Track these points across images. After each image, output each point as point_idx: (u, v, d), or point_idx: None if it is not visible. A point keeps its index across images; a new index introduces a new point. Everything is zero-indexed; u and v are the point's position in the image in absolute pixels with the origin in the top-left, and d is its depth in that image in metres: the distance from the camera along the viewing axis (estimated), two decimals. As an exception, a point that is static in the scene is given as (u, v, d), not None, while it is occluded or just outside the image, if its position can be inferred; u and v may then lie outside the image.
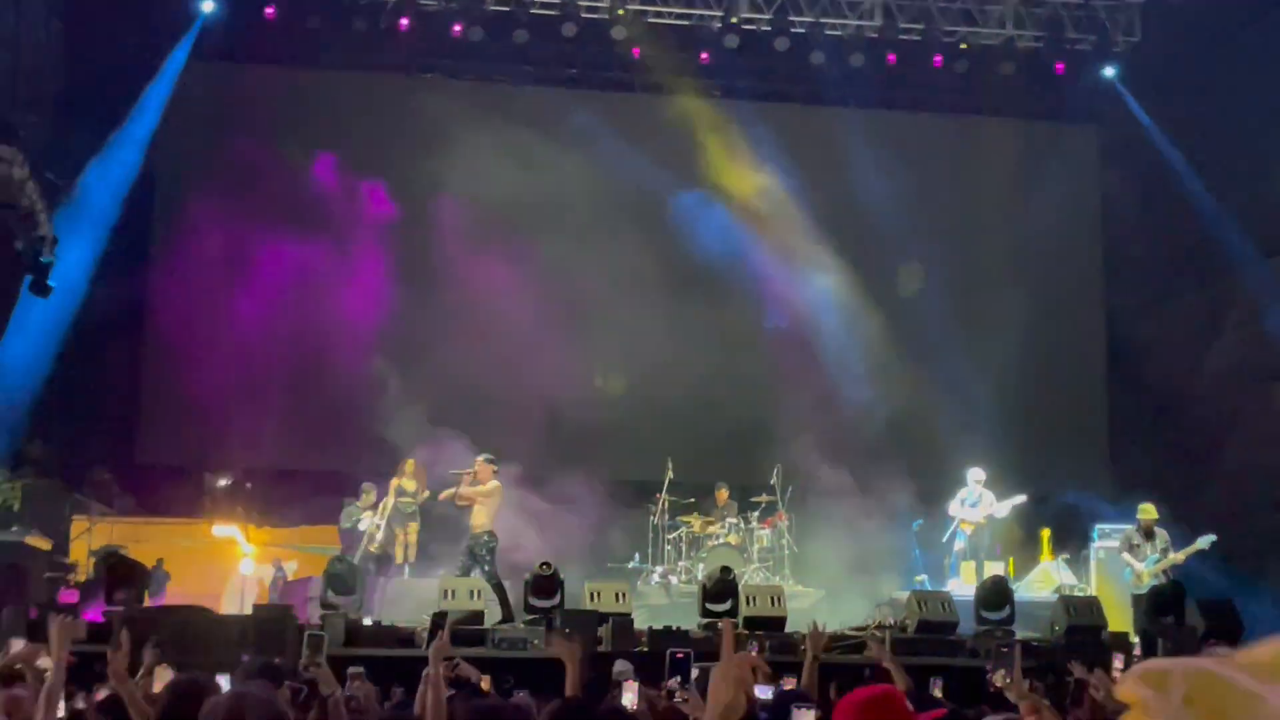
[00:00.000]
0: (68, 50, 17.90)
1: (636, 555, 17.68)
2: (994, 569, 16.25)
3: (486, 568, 14.59)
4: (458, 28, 19.41)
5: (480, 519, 14.91)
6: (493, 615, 13.78)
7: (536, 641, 12.56)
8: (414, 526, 16.44)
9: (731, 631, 3.22)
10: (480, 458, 15.28)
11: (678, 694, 5.28)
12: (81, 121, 17.60)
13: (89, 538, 16.38)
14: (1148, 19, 20.32)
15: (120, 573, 13.60)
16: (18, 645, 7.16)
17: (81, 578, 15.02)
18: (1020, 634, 13.30)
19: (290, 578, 16.29)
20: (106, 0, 18.23)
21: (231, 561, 16.10)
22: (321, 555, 16.07)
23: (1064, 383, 20.32)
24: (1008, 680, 5.66)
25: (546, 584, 13.33)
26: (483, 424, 18.23)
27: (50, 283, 15.37)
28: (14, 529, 15.26)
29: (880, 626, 13.22)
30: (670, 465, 17.68)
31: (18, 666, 7.09)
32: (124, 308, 18.13)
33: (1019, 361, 19.34)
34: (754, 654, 3.15)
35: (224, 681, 6.89)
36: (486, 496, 15.01)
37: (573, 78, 20.12)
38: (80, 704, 7.26)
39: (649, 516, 17.75)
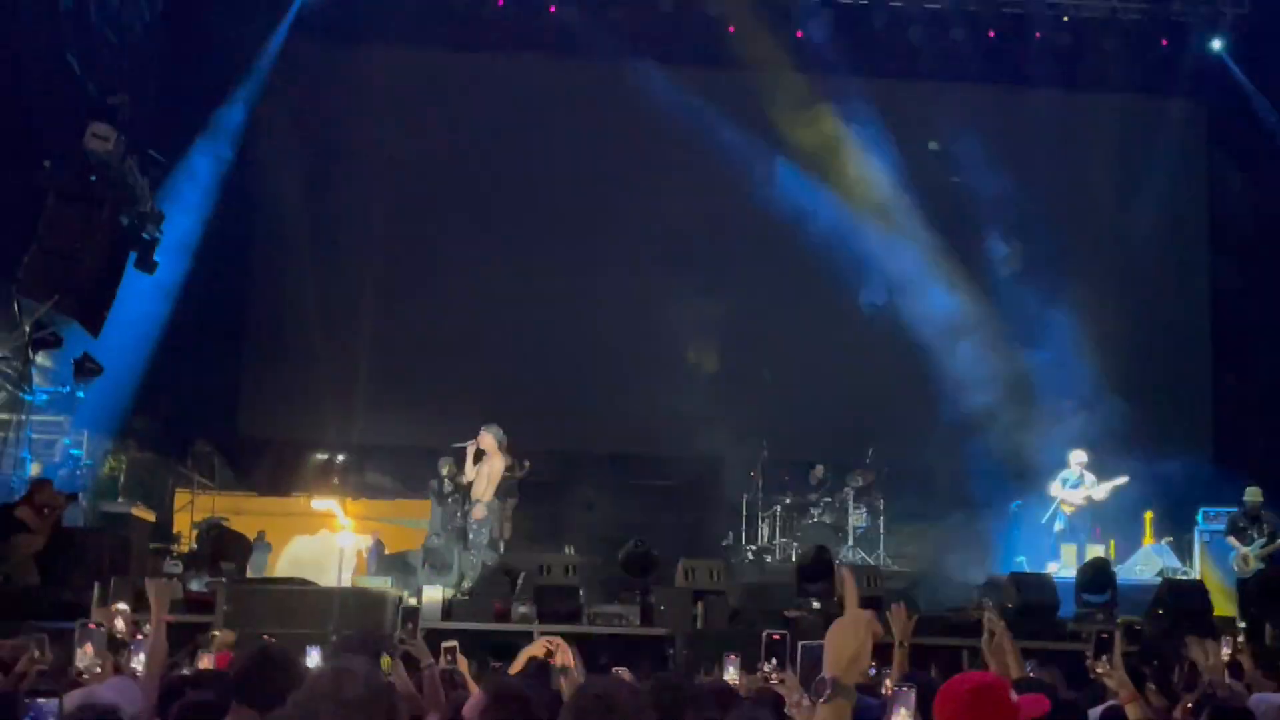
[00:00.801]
0: (171, 28, 18.17)
1: (731, 533, 17.66)
2: (1095, 551, 16.00)
3: (473, 536, 14.56)
4: (552, 6, 19.43)
5: (484, 490, 14.81)
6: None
7: (631, 618, 12.60)
8: (510, 501, 16.50)
9: (853, 582, 3.18)
10: (484, 429, 15.11)
11: (773, 676, 5.24)
12: (185, 99, 17.85)
13: (191, 510, 16.68)
14: (1257, -11, 19.79)
15: (223, 544, 13.86)
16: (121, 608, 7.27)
17: (185, 549, 15.30)
18: (1122, 618, 13.10)
19: (386, 551, 16.46)
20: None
21: (330, 534, 16.28)
22: (417, 529, 16.24)
23: (1168, 363, 19.89)
24: (1109, 667, 5.54)
25: (640, 561, 13.36)
26: (570, 400, 18.38)
27: (155, 259, 15.64)
28: (120, 501, 15.60)
29: (979, 608, 13.07)
30: (765, 443, 17.64)
31: (119, 635, 7.23)
32: (226, 283, 18.44)
33: (1122, 341, 18.97)
34: (872, 613, 3.12)
35: (314, 653, 6.98)
36: (495, 472, 14.88)
37: (668, 54, 19.98)
38: (185, 670, 7.41)
39: (743, 494, 17.71)
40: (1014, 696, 3.57)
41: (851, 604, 3.11)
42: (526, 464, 16.43)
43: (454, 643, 7.92)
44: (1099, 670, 5.51)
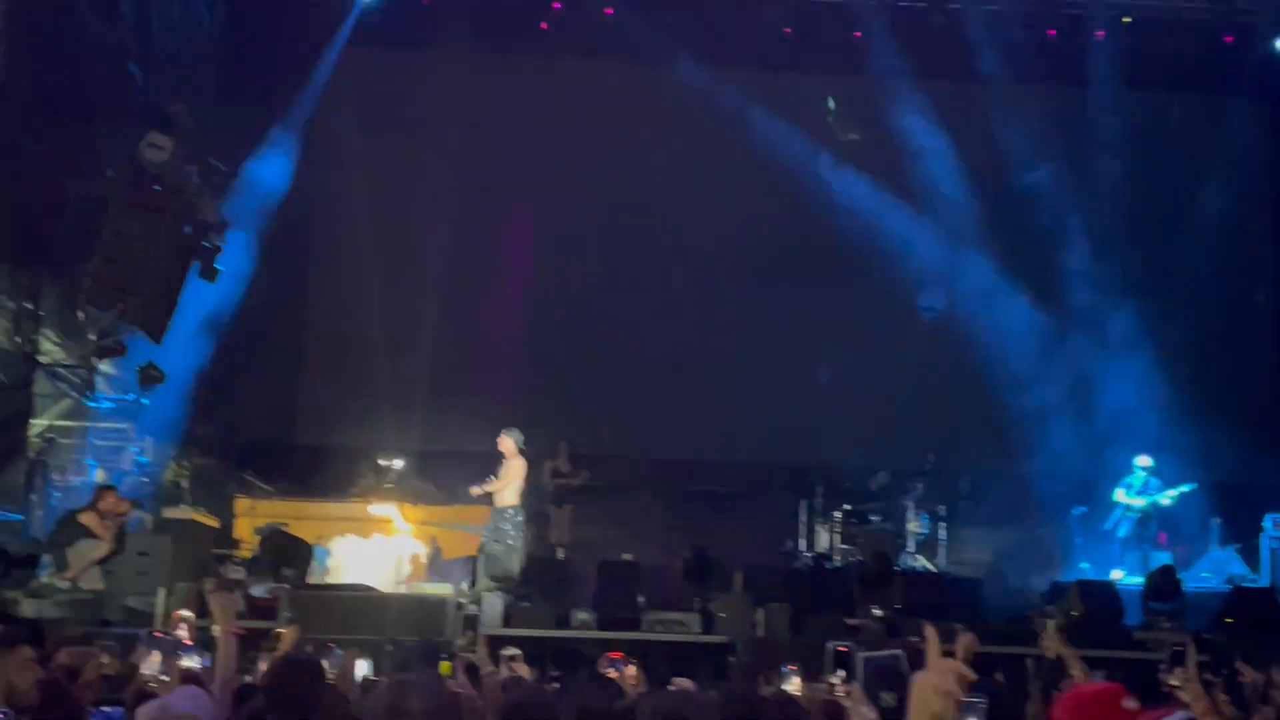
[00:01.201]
0: (231, 37, 18.32)
1: (790, 540, 17.56)
2: (1160, 558, 15.79)
3: (511, 542, 14.48)
4: (609, 9, 19.40)
5: (507, 495, 14.76)
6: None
7: (691, 625, 12.56)
8: (568, 508, 16.50)
9: (935, 637, 3.07)
10: (504, 433, 15.04)
11: (839, 688, 5.19)
12: (246, 107, 17.99)
13: (252, 516, 16.78)
14: (1324, -14, 19.43)
15: (284, 550, 13.95)
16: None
17: (245, 555, 15.39)
18: (1189, 626, 12.90)
19: (444, 557, 16.49)
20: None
21: (386, 539, 16.31)
22: (476, 534, 16.26)
23: (1235, 367, 19.58)
24: (1185, 679, 5.44)
25: (700, 567, 13.33)
26: (628, 406, 18.36)
27: (217, 266, 15.74)
28: (182, 507, 15.74)
29: (1043, 615, 12.93)
30: (824, 448, 17.55)
31: (183, 641, 7.26)
32: (287, 290, 18.55)
33: (1187, 345, 18.67)
34: (959, 662, 2.99)
35: (363, 664, 6.99)
36: (515, 476, 14.82)
37: (725, 58, 19.89)
38: (248, 678, 7.43)
39: (802, 500, 17.61)
40: (1130, 704, 3.49)
41: (934, 657, 3.00)
42: (584, 473, 16.46)
43: (516, 651, 7.94)
44: (1173, 683, 5.42)
